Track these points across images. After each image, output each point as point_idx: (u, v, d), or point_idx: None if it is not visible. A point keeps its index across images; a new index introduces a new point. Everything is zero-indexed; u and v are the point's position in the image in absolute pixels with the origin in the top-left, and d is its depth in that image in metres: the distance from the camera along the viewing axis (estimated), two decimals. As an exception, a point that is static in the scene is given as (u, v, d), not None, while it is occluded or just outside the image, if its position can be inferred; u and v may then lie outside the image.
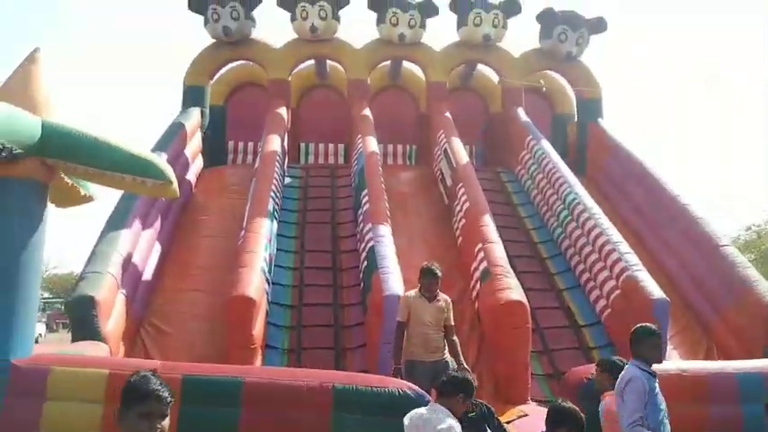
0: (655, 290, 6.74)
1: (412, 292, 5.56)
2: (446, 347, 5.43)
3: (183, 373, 4.55)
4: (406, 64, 12.13)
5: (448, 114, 10.93)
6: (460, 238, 8.48)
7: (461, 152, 9.75)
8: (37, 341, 9.70)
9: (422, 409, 3.72)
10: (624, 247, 7.49)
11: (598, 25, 11.38)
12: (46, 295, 34.52)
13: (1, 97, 4.46)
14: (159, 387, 2.08)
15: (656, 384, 3.81)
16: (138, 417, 2.04)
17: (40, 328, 19.46)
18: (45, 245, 4.84)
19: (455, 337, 5.47)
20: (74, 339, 5.98)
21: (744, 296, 7.17)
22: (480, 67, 12.11)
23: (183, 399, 4.15)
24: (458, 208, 8.79)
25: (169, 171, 5.90)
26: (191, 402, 4.23)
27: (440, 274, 5.42)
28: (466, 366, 5.31)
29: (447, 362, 5.29)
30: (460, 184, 8.94)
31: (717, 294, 7.56)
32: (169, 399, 2.09)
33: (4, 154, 4.17)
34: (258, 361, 6.38)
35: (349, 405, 4.49)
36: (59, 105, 5.80)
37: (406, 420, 3.64)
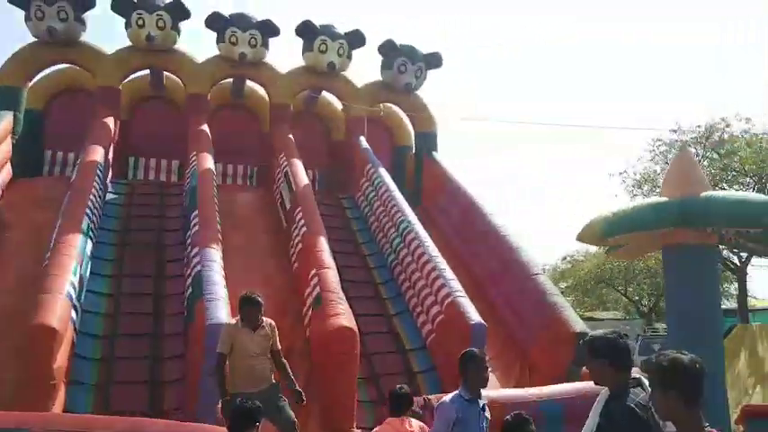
0: (473, 315, 7.15)
1: (233, 321, 5.30)
2: (273, 372, 5.22)
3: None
4: (250, 83, 11.89)
5: (291, 137, 10.88)
6: (296, 263, 8.37)
7: (302, 176, 9.71)
8: None
9: None
10: (449, 273, 7.87)
11: (434, 60, 12.06)
12: None
13: None
14: None
15: (478, 409, 3.85)
16: None
17: None
18: None
19: (284, 359, 5.25)
20: None
21: (552, 321, 7.86)
22: (325, 93, 12.23)
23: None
24: (295, 232, 8.71)
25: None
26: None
27: (261, 301, 5.21)
28: (298, 388, 5.14)
29: (275, 385, 5.07)
30: (299, 209, 8.87)
31: (529, 320, 8.20)
32: None
33: None
34: (59, 399, 5.68)
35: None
36: None
37: None
